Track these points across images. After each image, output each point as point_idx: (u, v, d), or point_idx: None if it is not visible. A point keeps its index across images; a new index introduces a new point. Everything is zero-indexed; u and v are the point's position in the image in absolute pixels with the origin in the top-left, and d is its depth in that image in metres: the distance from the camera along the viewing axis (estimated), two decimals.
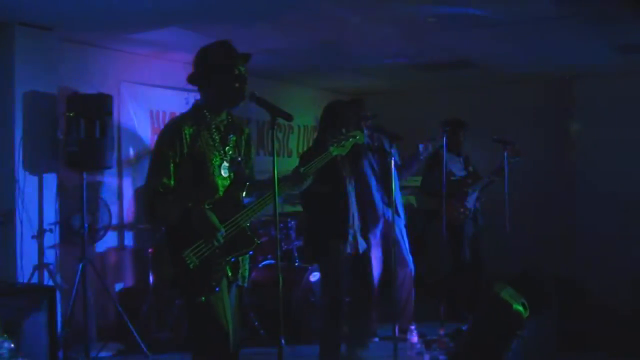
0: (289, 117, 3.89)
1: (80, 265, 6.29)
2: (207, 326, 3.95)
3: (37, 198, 6.29)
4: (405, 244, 6.95)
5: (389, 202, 6.32)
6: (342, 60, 8.38)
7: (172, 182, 3.88)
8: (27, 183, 6.21)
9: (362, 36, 6.96)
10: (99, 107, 6.37)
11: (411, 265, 6.96)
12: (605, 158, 9.39)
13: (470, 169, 8.04)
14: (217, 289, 3.89)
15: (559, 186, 9.62)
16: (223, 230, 3.84)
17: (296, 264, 7.31)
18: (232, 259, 3.99)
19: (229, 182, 4.04)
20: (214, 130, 4.02)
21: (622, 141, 9.25)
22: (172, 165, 3.88)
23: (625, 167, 9.19)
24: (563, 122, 9.80)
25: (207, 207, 3.89)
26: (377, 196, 6.63)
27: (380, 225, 6.74)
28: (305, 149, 10.34)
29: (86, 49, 7.09)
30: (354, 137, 4.47)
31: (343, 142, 4.38)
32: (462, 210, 7.69)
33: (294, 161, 10.14)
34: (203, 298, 3.86)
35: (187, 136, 3.91)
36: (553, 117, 9.82)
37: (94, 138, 6.27)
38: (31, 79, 6.23)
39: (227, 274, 3.99)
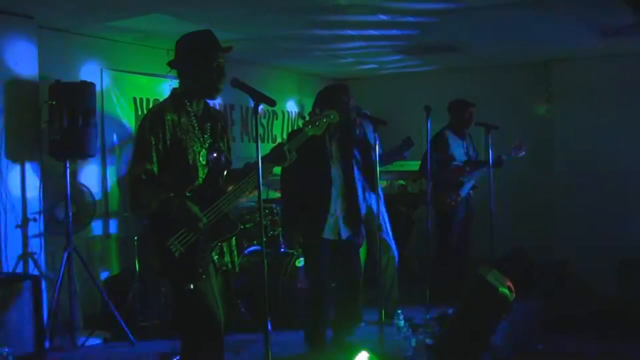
0: (272, 103, 3.89)
1: (66, 254, 6.28)
2: (196, 313, 3.95)
3: (21, 187, 6.27)
4: (388, 229, 6.95)
5: (373, 189, 6.32)
6: (326, 46, 8.36)
7: (155, 169, 3.87)
8: (10, 172, 6.19)
9: (345, 21, 6.95)
10: (81, 95, 6.34)
11: (394, 250, 6.97)
12: (583, 140, 9.44)
13: (472, 153, 8.04)
14: (203, 275, 3.90)
15: (538, 170, 9.65)
16: (205, 219, 3.84)
17: (282, 249, 7.30)
18: (218, 244, 4.00)
19: (208, 169, 4.03)
20: (192, 117, 4.02)
21: (600, 124, 9.31)
22: (154, 152, 3.87)
23: (603, 150, 9.24)
24: (542, 106, 9.83)
25: (188, 194, 3.90)
26: (358, 185, 6.63)
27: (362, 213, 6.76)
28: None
29: (68, 37, 7.04)
30: (328, 116, 4.46)
31: (317, 122, 4.37)
32: (454, 197, 7.69)
33: None
34: (192, 285, 3.87)
35: (169, 123, 3.91)
36: (532, 101, 9.85)
37: (77, 126, 6.23)
38: (13, 68, 6.20)
39: (214, 260, 4.00)
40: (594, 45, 8.45)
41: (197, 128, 4.02)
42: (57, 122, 6.19)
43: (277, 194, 8.77)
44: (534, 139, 9.30)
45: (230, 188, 4.06)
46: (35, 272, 6.23)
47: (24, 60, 6.28)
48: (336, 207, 5.73)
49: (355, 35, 7.66)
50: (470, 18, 6.87)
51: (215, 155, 4.08)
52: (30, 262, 6.29)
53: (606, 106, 9.29)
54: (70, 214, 6.39)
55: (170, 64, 4.13)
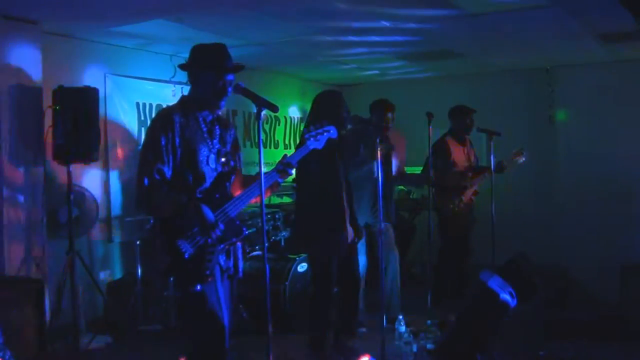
0: (274, 108, 3.92)
1: (68, 258, 6.29)
2: (199, 315, 3.99)
3: (24, 191, 6.28)
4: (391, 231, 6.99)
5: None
6: (328, 52, 8.38)
7: (167, 170, 3.92)
8: (14, 176, 6.19)
9: (348, 27, 6.97)
10: (85, 100, 6.36)
11: (396, 252, 6.99)
12: (586, 146, 9.44)
13: (473, 159, 8.05)
14: (209, 278, 3.93)
15: (541, 174, 9.67)
16: (222, 224, 3.91)
17: (284, 254, 7.31)
18: (224, 247, 4.04)
19: (216, 173, 4.09)
20: (201, 122, 4.07)
21: (603, 130, 9.31)
22: (165, 152, 3.92)
23: (606, 156, 9.25)
24: (544, 112, 9.84)
25: (199, 197, 3.96)
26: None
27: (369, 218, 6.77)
28: (292, 140, 10.41)
29: (72, 42, 7.07)
30: (328, 131, 4.48)
31: (318, 136, 4.40)
32: (456, 202, 7.69)
33: (281, 152, 10.16)
34: (199, 286, 3.90)
35: (177, 125, 3.97)
36: (535, 107, 9.86)
37: (80, 131, 6.25)
38: (17, 72, 6.21)
39: (220, 263, 4.03)
40: (596, 51, 8.46)
41: (205, 133, 4.08)
42: (61, 127, 6.21)
43: (279, 200, 8.80)
44: (536, 144, 9.32)
45: (238, 193, 4.12)
46: (38, 276, 6.24)
47: (28, 65, 6.30)
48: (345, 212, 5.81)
49: (358, 41, 7.68)
50: (472, 24, 6.89)
51: (223, 160, 4.13)
52: (33, 265, 6.30)
53: (609, 112, 9.30)
54: (73, 218, 6.41)
55: (183, 67, 4.20)
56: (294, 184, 7.48)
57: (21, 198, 6.26)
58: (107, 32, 6.91)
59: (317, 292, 5.88)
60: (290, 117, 10.45)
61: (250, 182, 4.24)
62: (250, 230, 7.27)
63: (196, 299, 3.94)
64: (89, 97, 6.40)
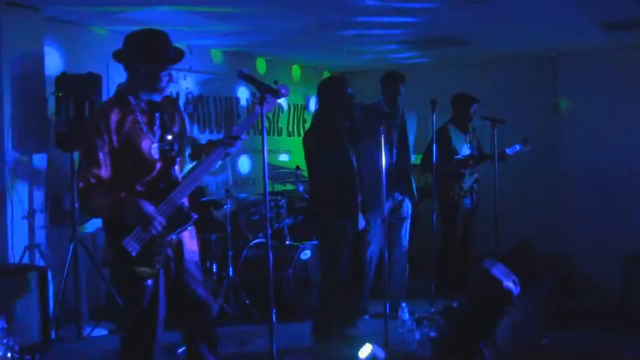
0: (277, 94, 3.89)
1: (71, 245, 6.30)
2: (141, 308, 3.98)
3: (27, 179, 6.28)
4: (407, 223, 7.00)
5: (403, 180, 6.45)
6: (332, 39, 8.35)
7: (104, 172, 3.86)
8: (16, 164, 6.19)
9: (352, 14, 6.95)
10: (88, 87, 6.34)
11: (405, 244, 7.00)
12: (590, 135, 9.42)
13: (475, 146, 8.02)
14: (162, 270, 3.93)
15: (545, 163, 9.64)
16: (162, 218, 3.84)
17: (287, 242, 7.31)
18: (174, 237, 4.00)
19: (162, 162, 4.01)
20: (138, 113, 3.99)
21: (607, 119, 9.28)
22: (101, 154, 3.85)
23: (610, 145, 9.22)
24: (548, 100, 9.81)
25: (140, 189, 3.90)
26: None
27: (389, 204, 6.72)
28: (295, 127, 10.39)
29: (74, 29, 7.04)
30: (279, 91, 4.20)
31: (268, 99, 4.18)
32: (457, 190, 7.68)
33: (284, 140, 10.16)
34: (150, 281, 3.89)
35: (114, 123, 3.89)
36: (539, 95, 9.83)
37: (83, 118, 6.23)
38: (19, 60, 6.18)
39: (169, 255, 4.01)
40: (601, 39, 8.43)
41: (144, 123, 3.99)
42: (64, 114, 6.20)
43: (282, 187, 8.79)
44: (540, 133, 9.30)
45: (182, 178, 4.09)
46: (42, 263, 6.24)
47: (30, 51, 6.28)
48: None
49: (361, 27, 7.65)
50: (477, 11, 6.86)
51: (167, 147, 4.04)
52: (37, 253, 6.30)
53: (613, 101, 9.26)
54: (76, 206, 6.40)
55: (117, 58, 4.14)
56: (297, 171, 7.50)
57: (24, 185, 6.26)
58: (110, 18, 6.89)
59: (326, 280, 5.88)
60: (294, 105, 10.43)
61: (200, 151, 4.22)
62: (253, 217, 7.28)
63: (140, 293, 3.93)
64: (92, 84, 6.38)
